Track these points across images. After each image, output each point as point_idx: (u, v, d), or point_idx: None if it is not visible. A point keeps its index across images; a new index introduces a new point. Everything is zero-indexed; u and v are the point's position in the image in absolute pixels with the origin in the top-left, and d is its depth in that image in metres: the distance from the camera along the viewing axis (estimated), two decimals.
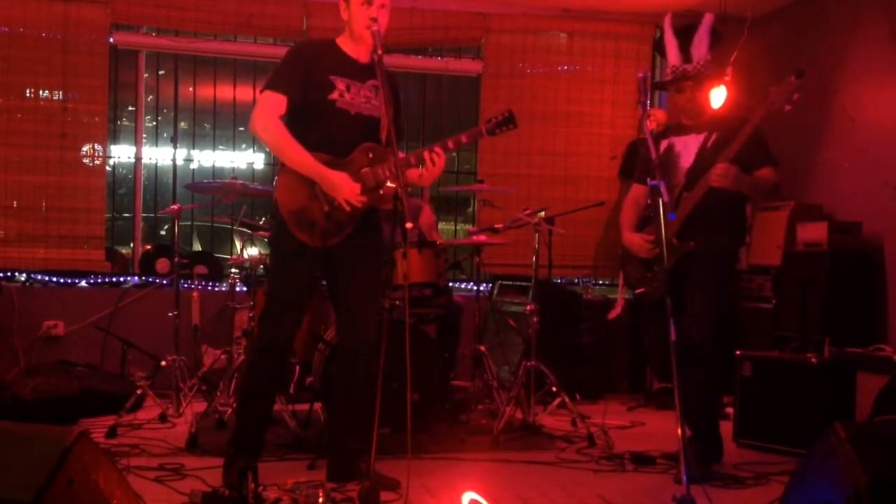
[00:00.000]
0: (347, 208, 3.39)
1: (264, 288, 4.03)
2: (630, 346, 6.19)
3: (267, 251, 4.65)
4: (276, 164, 3.52)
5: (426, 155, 3.44)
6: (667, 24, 4.05)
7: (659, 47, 4.33)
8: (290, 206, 3.39)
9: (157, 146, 6.66)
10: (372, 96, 3.50)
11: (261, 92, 3.45)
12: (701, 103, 3.99)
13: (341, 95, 3.43)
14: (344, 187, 3.36)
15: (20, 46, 5.84)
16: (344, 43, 3.52)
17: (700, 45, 3.92)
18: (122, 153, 6.52)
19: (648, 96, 3.38)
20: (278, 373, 3.69)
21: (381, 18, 3.40)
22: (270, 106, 3.38)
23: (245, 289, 4.93)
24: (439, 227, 6.84)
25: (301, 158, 3.36)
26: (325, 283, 3.74)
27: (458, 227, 7.32)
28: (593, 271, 6.67)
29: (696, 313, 3.77)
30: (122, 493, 2.37)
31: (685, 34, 3.96)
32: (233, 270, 5.02)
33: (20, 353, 5.53)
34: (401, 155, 3.37)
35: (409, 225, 3.10)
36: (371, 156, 3.47)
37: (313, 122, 3.42)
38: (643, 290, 4.10)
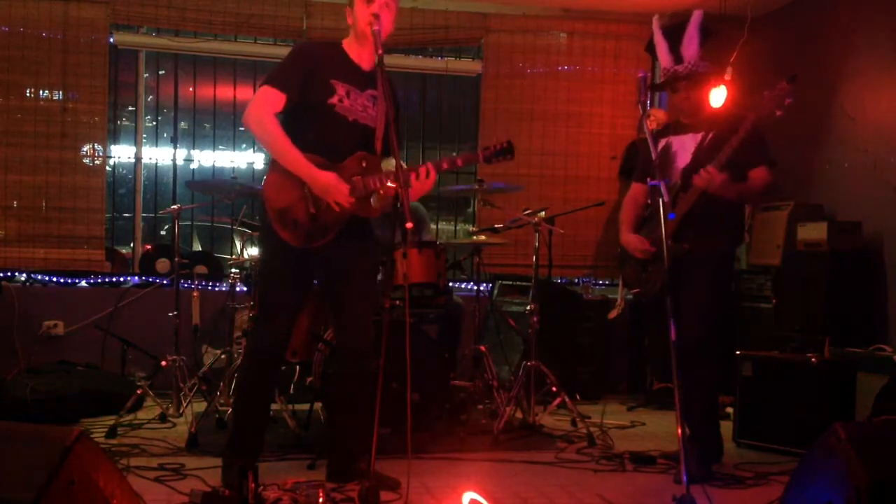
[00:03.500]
0: (337, 209, 3.37)
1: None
2: (630, 346, 6.18)
3: None
4: (269, 161, 3.50)
5: (421, 169, 3.44)
6: (655, 26, 4.04)
7: (650, 49, 4.33)
8: (275, 204, 3.37)
9: (157, 146, 6.67)
10: (369, 105, 3.48)
11: (261, 85, 3.43)
12: (697, 102, 3.98)
13: (341, 101, 3.41)
14: (332, 188, 3.33)
15: (20, 46, 5.84)
16: (349, 47, 3.50)
17: (690, 45, 3.92)
18: (122, 153, 6.52)
19: (648, 96, 3.38)
20: (274, 375, 3.68)
21: (385, 18, 3.37)
22: (268, 101, 3.35)
23: (245, 289, 4.93)
24: (439, 227, 6.86)
25: (292, 157, 3.33)
26: (317, 283, 3.73)
27: (458, 227, 7.32)
28: (593, 271, 6.67)
29: (691, 313, 3.75)
30: (122, 493, 2.37)
31: (674, 35, 3.95)
32: (233, 270, 5.02)
33: (20, 353, 5.53)
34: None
35: (409, 225, 3.09)
36: (364, 164, 3.45)
37: (310, 123, 3.40)
38: (639, 290, 4.10)
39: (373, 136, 3.48)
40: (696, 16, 3.95)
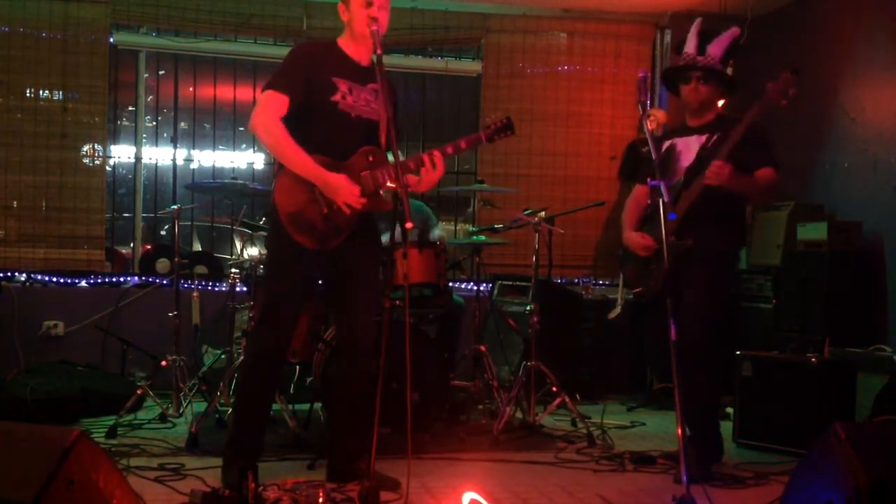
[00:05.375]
0: (347, 211, 3.38)
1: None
2: (630, 346, 6.18)
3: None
4: (275, 165, 3.51)
5: (426, 158, 3.44)
6: (695, 25, 4.07)
7: (679, 48, 4.34)
8: (288, 209, 3.37)
9: (157, 146, 6.67)
10: (371, 99, 3.49)
11: (262, 91, 3.42)
12: (705, 97, 3.98)
13: (343, 98, 3.42)
14: (343, 189, 3.34)
15: (20, 46, 5.84)
16: (345, 44, 3.51)
17: (717, 47, 3.95)
18: (122, 153, 6.52)
19: (648, 96, 3.39)
20: (276, 376, 3.68)
21: (381, 18, 3.39)
22: (272, 106, 3.35)
23: (245, 289, 4.93)
24: (440, 227, 6.85)
25: (301, 160, 3.34)
26: (320, 283, 3.73)
27: (458, 227, 7.32)
28: (593, 271, 6.67)
29: (691, 313, 3.75)
30: (122, 494, 2.37)
31: (708, 35, 3.99)
32: (233, 270, 5.02)
33: (20, 353, 5.52)
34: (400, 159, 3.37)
35: (409, 225, 3.09)
36: (371, 159, 3.46)
37: (314, 123, 3.40)
38: (640, 289, 4.10)
39: (377, 130, 3.46)
40: (735, 30, 4.01)
